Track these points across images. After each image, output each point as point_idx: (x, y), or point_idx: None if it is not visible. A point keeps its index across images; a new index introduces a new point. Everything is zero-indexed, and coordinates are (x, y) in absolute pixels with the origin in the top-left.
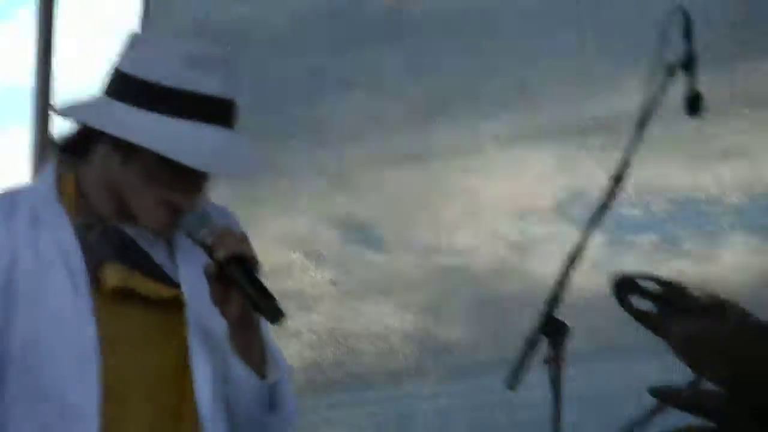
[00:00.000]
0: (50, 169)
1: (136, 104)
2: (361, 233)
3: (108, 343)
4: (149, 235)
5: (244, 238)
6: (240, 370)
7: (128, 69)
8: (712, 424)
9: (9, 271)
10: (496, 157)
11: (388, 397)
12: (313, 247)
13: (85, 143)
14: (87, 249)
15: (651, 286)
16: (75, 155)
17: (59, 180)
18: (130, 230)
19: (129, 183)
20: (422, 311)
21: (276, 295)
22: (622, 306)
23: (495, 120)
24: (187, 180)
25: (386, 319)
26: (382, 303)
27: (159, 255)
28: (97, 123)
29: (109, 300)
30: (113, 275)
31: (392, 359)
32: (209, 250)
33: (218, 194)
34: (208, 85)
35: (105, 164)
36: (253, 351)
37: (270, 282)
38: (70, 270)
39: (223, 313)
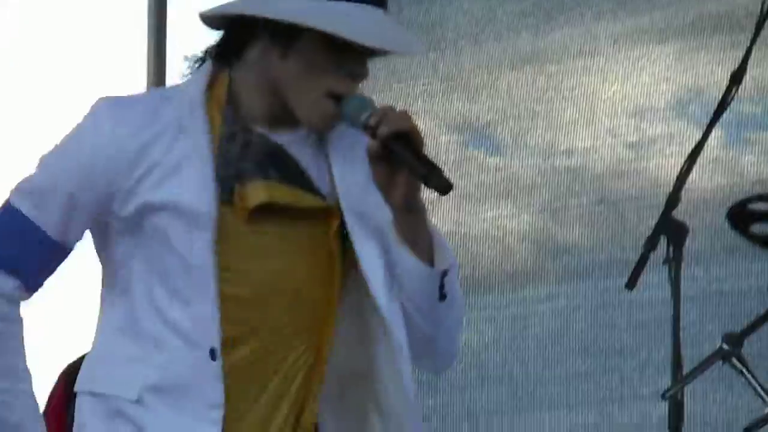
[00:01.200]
0: (204, 70)
1: None
2: (478, 136)
3: (246, 257)
4: (304, 143)
5: (406, 116)
6: (409, 258)
7: None
8: None
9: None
10: (612, 57)
11: (508, 300)
12: (431, 151)
13: (239, 43)
14: (224, 161)
15: (764, 206)
16: (229, 57)
17: (212, 82)
18: (279, 138)
19: (290, 77)
20: (540, 213)
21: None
22: (744, 236)
23: (612, 20)
24: (352, 65)
25: (504, 222)
26: (501, 206)
27: (312, 164)
28: (254, 10)
29: (247, 217)
30: (255, 193)
31: (511, 262)
32: (372, 131)
33: None
34: None
35: (262, 62)
36: (420, 239)
37: None
38: (204, 178)
39: (388, 196)
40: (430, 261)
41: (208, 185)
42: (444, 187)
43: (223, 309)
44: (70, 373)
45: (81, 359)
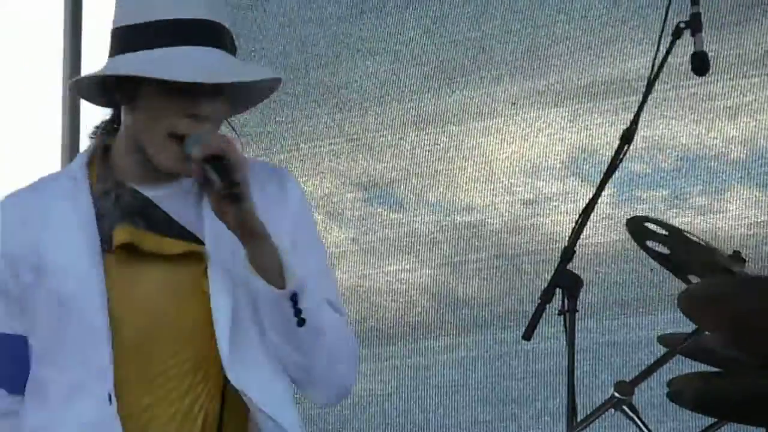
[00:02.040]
0: (89, 148)
1: (130, 49)
2: (380, 194)
3: (127, 301)
4: (184, 195)
5: (223, 139)
6: (257, 282)
7: (119, 23)
8: (716, 370)
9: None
10: (510, 119)
11: (410, 350)
12: (336, 208)
13: (114, 117)
14: (100, 215)
15: (660, 230)
16: (110, 129)
17: (92, 155)
18: (153, 192)
19: (140, 128)
20: (441, 267)
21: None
22: (640, 247)
23: (510, 83)
24: (190, 105)
25: (407, 276)
26: (403, 260)
27: (191, 213)
28: (99, 72)
29: (123, 259)
30: (120, 235)
31: (413, 314)
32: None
33: None
34: (189, 11)
35: (125, 124)
36: (270, 265)
37: None
38: (86, 235)
39: (225, 222)
40: (283, 286)
41: (87, 240)
42: (232, 196)
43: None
44: None
45: None
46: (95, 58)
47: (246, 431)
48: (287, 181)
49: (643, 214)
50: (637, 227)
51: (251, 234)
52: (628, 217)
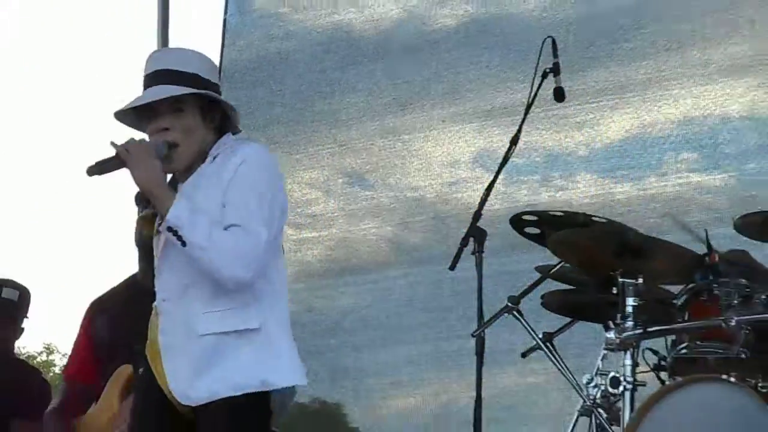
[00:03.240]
0: None
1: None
2: (359, 180)
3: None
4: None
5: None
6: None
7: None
8: (572, 287)
9: None
10: (441, 132)
11: (378, 278)
12: (330, 188)
13: None
14: None
15: (531, 218)
16: None
17: None
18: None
19: None
20: (397, 225)
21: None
22: (521, 234)
23: (440, 109)
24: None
25: (375, 231)
26: (373, 222)
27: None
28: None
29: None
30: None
31: (379, 255)
32: None
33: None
34: (154, 67)
35: None
36: (154, 201)
37: (301, 208)
38: None
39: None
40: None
41: None
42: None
43: None
44: (94, 304)
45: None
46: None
47: None
48: (238, 150)
49: (523, 210)
50: (517, 221)
51: (151, 200)
52: (513, 194)
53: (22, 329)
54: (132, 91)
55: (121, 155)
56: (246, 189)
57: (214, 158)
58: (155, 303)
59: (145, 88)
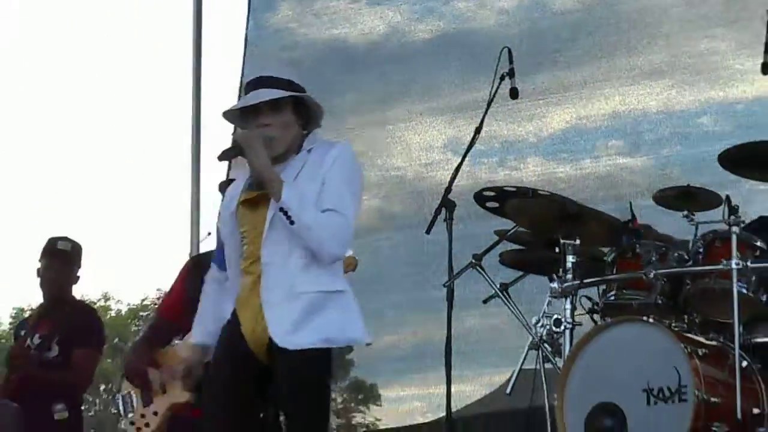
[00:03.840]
0: None
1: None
2: None
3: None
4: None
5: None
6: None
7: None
8: (523, 247)
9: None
10: (418, 124)
11: (368, 240)
12: None
13: None
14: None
15: (491, 193)
16: None
17: None
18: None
19: None
20: (383, 198)
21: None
22: (482, 207)
23: (419, 105)
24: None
25: (366, 203)
26: (364, 196)
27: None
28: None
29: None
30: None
31: (369, 220)
32: None
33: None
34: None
35: None
36: (270, 187)
37: None
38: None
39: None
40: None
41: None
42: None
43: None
44: (194, 258)
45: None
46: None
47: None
48: (331, 148)
49: (484, 186)
50: (479, 195)
51: (260, 178)
52: (476, 173)
53: (78, 277)
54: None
55: (241, 144)
56: (341, 181)
57: (309, 151)
58: (243, 267)
59: (247, 93)
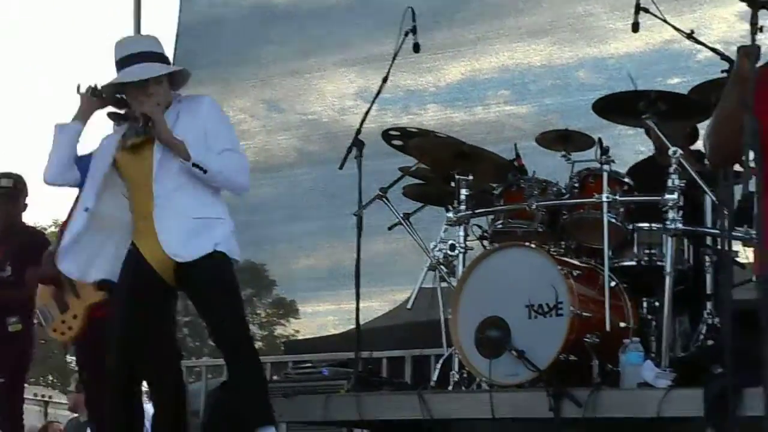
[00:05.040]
0: None
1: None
2: (274, 106)
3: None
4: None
5: (152, 106)
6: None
7: (115, 58)
8: (423, 182)
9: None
10: (333, 73)
11: (288, 174)
12: (254, 112)
13: None
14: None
15: (395, 132)
16: None
17: None
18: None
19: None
20: (301, 138)
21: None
22: (388, 144)
23: (333, 57)
24: (140, 92)
25: (286, 142)
26: (285, 136)
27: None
28: (113, 81)
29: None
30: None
31: (289, 159)
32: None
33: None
34: (136, 49)
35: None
36: (180, 153)
37: (234, 126)
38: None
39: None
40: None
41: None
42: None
43: None
44: None
45: None
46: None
47: None
48: (199, 102)
49: (390, 127)
50: (386, 135)
51: (167, 145)
52: (383, 117)
53: (26, 205)
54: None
55: (152, 116)
56: (223, 125)
57: (179, 101)
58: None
59: (130, 65)
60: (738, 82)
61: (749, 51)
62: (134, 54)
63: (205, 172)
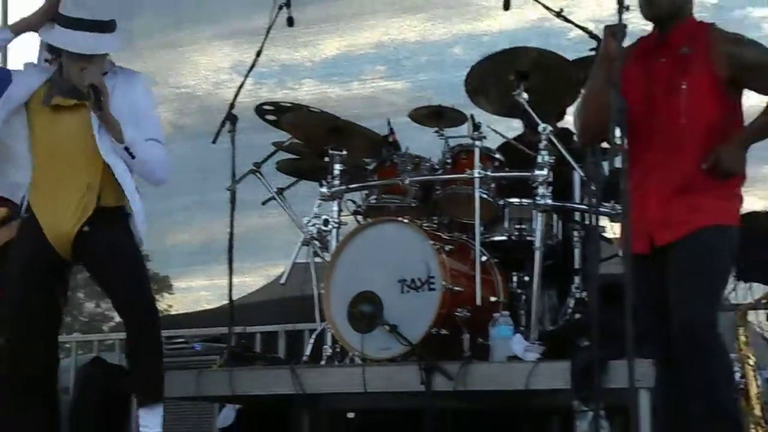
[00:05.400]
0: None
1: (61, 26)
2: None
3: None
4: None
5: (99, 79)
6: (116, 143)
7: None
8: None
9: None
10: (207, 46)
11: None
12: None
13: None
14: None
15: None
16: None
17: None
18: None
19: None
20: (175, 112)
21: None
22: (262, 119)
23: (207, 30)
24: (82, 61)
25: (160, 115)
26: (159, 109)
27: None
28: (45, 39)
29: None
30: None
31: (164, 131)
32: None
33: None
34: (84, 14)
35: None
36: (115, 134)
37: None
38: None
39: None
40: (122, 142)
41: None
42: (96, 106)
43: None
44: None
45: None
46: None
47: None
48: (136, 80)
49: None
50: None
51: (106, 123)
52: (258, 92)
53: None
54: None
55: (100, 88)
56: (152, 109)
57: (115, 73)
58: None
59: (77, 29)
60: (605, 61)
61: (615, 30)
62: (88, 22)
63: (133, 158)
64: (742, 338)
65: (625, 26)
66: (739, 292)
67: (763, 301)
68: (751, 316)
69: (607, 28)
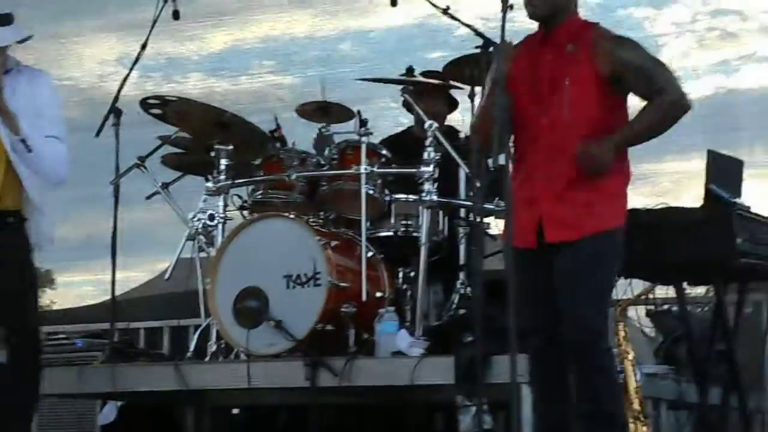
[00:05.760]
0: None
1: None
2: None
3: None
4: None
5: None
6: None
7: None
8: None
9: None
10: (92, 38)
11: None
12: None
13: None
14: None
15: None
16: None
17: None
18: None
19: None
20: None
21: None
22: (147, 113)
23: (91, 21)
24: None
25: None
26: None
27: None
28: None
29: None
30: None
31: None
32: None
33: None
34: None
35: None
36: (12, 127)
37: None
38: None
39: None
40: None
41: None
42: None
43: None
44: None
45: None
46: None
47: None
48: (41, 79)
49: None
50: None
51: (4, 118)
52: (143, 85)
53: None
54: None
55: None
56: (57, 109)
57: (18, 71)
58: None
59: None
60: (498, 84)
61: (503, 50)
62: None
63: (30, 151)
64: (622, 333)
65: (510, 44)
66: (619, 287)
67: (643, 296)
68: (631, 311)
69: (496, 50)
